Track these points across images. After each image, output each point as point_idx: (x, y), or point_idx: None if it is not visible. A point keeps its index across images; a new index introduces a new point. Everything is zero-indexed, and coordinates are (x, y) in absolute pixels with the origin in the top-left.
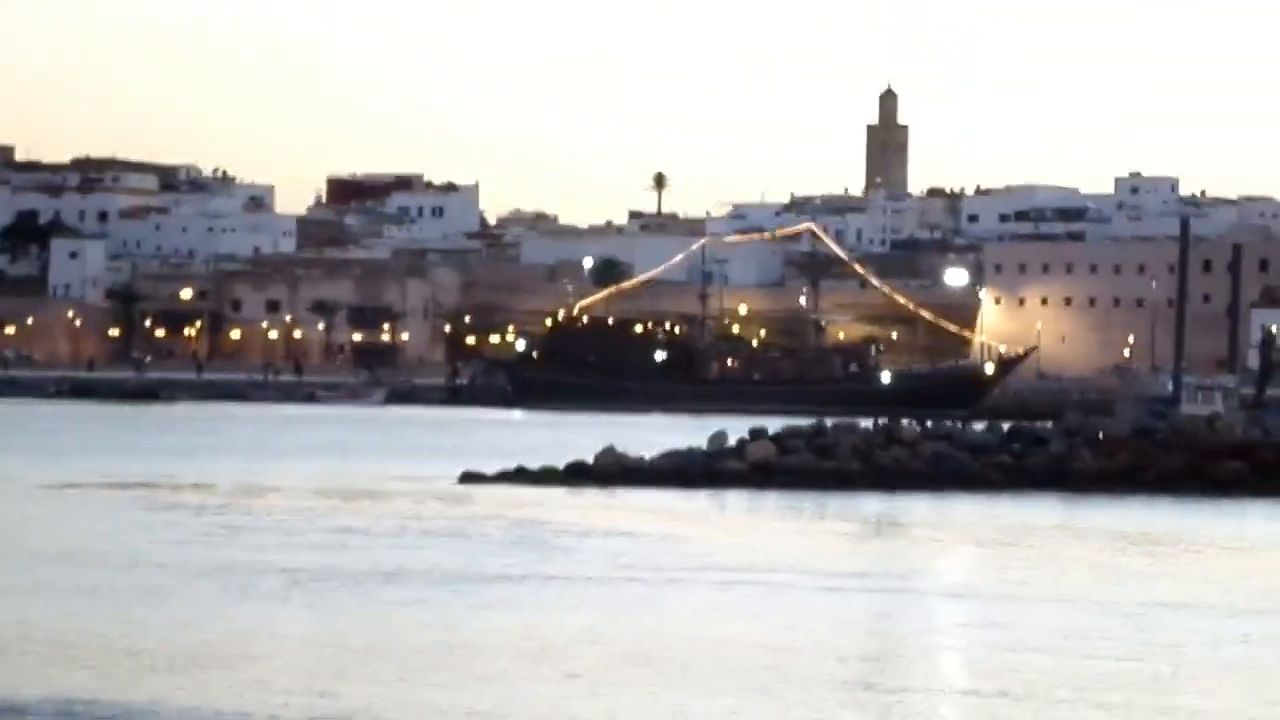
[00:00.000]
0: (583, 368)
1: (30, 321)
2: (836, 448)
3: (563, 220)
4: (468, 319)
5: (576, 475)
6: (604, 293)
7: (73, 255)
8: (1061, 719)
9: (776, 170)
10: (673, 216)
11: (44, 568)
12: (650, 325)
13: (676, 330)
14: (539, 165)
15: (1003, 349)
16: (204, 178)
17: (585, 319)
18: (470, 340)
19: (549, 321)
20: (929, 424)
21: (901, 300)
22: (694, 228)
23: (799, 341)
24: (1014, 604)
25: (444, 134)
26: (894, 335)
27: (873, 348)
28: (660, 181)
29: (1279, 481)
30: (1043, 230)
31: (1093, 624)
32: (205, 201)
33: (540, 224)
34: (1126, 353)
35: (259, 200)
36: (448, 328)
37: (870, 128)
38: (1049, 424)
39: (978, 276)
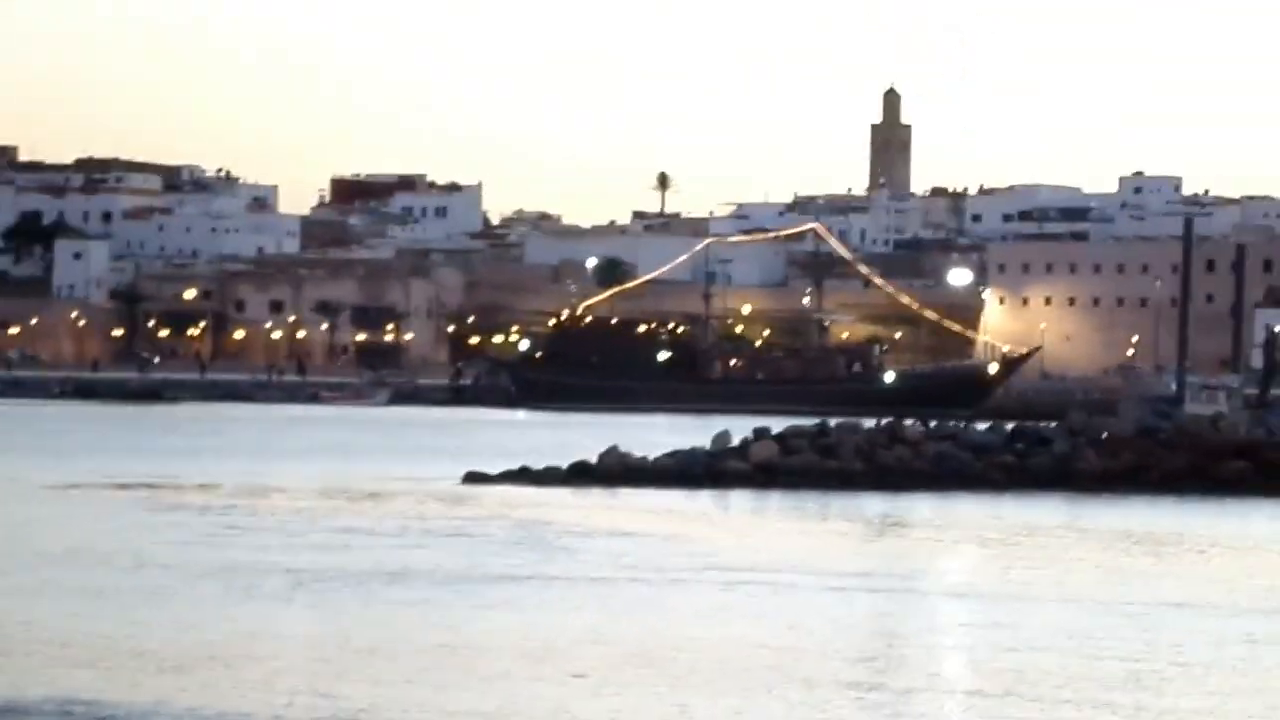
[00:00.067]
0: (586, 368)
1: (34, 322)
2: (840, 448)
3: (566, 220)
4: (471, 319)
5: (580, 475)
6: (607, 293)
7: (76, 256)
8: (1066, 719)
9: (780, 170)
10: (676, 216)
11: (48, 568)
12: (654, 325)
13: (680, 330)
14: (542, 165)
15: (1006, 349)
16: (207, 178)
17: (589, 319)
18: (474, 340)
19: (552, 322)
20: (932, 424)
21: (905, 300)
22: (697, 228)
23: (802, 341)
24: (1018, 604)
25: (447, 134)
26: (898, 335)
27: (876, 348)
28: (664, 181)
29: None
30: (1046, 230)
31: (1097, 624)
32: (209, 202)
33: (543, 224)
34: (1130, 353)
35: (262, 200)
36: (451, 328)
37: (874, 127)
38: (1053, 424)
39: (981, 276)
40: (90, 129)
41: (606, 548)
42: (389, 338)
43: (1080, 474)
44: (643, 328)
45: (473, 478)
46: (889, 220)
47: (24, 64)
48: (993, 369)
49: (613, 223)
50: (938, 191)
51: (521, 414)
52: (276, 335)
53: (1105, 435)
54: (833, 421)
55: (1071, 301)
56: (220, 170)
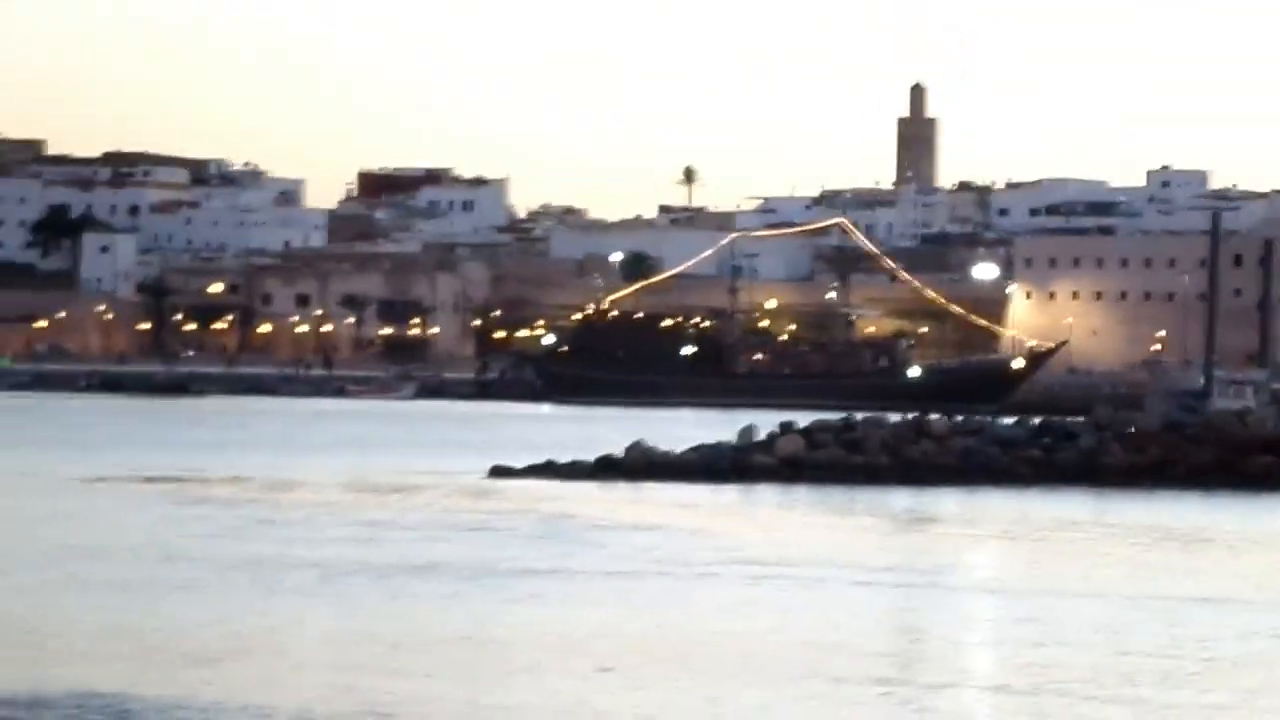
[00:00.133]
0: (611, 362)
1: (61, 315)
2: (865, 442)
3: (592, 214)
4: (497, 313)
5: (605, 469)
6: (633, 287)
7: (104, 249)
8: (1092, 714)
9: (806, 164)
10: (702, 211)
11: (74, 561)
12: (679, 320)
13: (705, 325)
14: (568, 159)
15: (1032, 343)
16: (234, 172)
17: (614, 313)
18: (499, 335)
19: (578, 316)
20: (958, 419)
21: (931, 294)
22: (723, 222)
23: (828, 336)
24: (1045, 599)
25: (474, 128)
26: (923, 329)
27: (902, 342)
28: (690, 176)
29: None
30: (1073, 224)
31: (1124, 619)
32: (235, 195)
33: (569, 218)
34: (1157, 347)
35: (289, 194)
36: (477, 322)
37: (901, 120)
38: (1079, 418)
39: (1008, 270)
40: (117, 122)
41: (632, 542)
42: (415, 332)
43: (1107, 469)
44: (668, 322)
45: (498, 472)
46: (915, 214)
47: (51, 58)
48: (1019, 363)
49: (638, 217)
50: (964, 186)
51: (547, 408)
52: (303, 329)
53: (1132, 430)
54: (858, 416)
55: (1098, 296)
56: (247, 164)
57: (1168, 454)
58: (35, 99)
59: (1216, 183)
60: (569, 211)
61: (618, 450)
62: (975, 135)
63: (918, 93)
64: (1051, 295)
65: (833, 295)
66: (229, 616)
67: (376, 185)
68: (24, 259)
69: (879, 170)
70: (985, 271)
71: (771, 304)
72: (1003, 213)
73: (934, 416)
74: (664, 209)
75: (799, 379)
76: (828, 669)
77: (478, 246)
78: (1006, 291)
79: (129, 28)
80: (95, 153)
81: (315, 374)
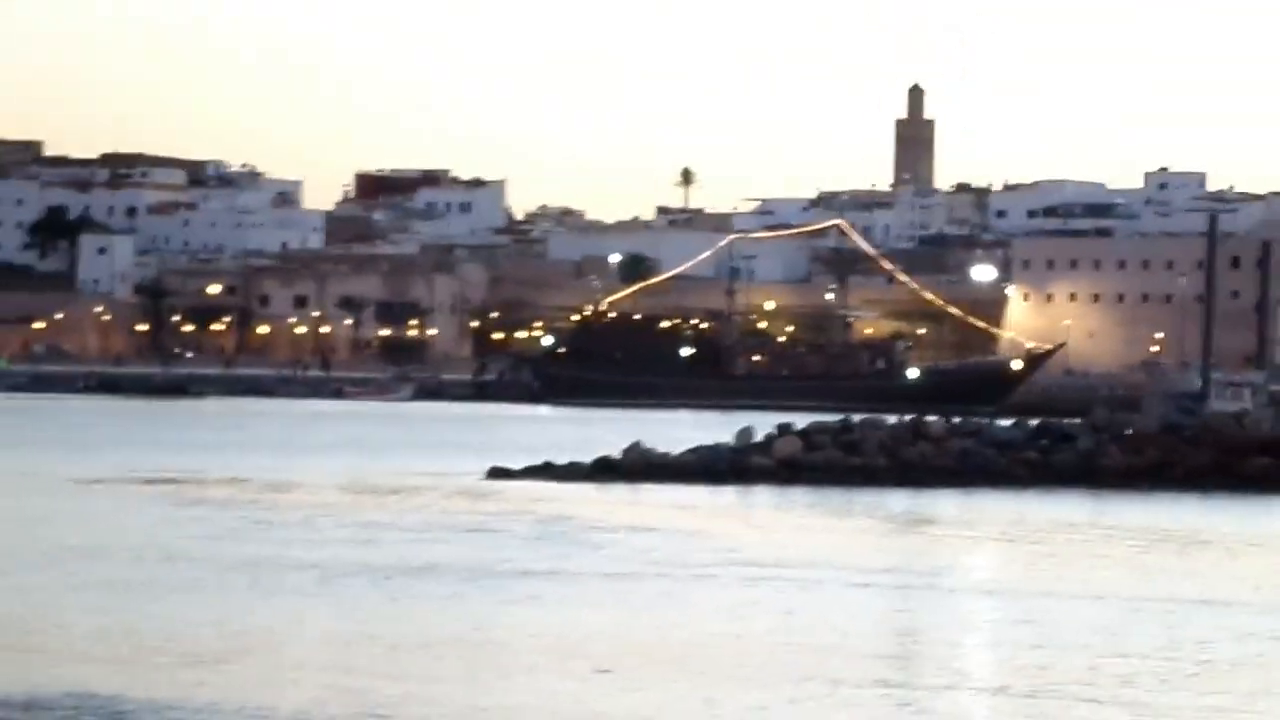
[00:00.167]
0: (609, 364)
1: (59, 317)
2: (863, 444)
3: (590, 216)
4: (495, 315)
5: (603, 471)
6: (631, 289)
7: (101, 251)
8: (1090, 716)
9: (803, 166)
10: (699, 212)
11: (72, 562)
12: (677, 321)
13: (703, 326)
14: (567, 160)
15: (1030, 345)
16: (232, 173)
17: (612, 315)
18: (497, 336)
19: (576, 317)
20: (956, 420)
21: (929, 296)
22: (721, 223)
23: (826, 337)
24: (1042, 601)
25: (473, 129)
26: (921, 331)
27: (900, 344)
28: (687, 177)
29: None
30: (1071, 226)
31: (1121, 621)
32: (233, 197)
33: (567, 220)
34: (1154, 349)
35: (287, 196)
36: (475, 323)
37: (899, 122)
38: (1077, 420)
39: (1005, 272)
40: (114, 124)
41: (630, 543)
42: (413, 333)
43: (1104, 470)
44: (666, 324)
45: (496, 473)
46: (913, 216)
47: (48, 59)
48: (1016, 365)
49: (636, 219)
50: (962, 187)
51: (545, 409)
52: (301, 330)
53: (1129, 432)
54: (856, 417)
55: (1096, 298)
56: (245, 165)
57: (1165, 456)
58: (33, 99)
59: (1214, 184)
60: (567, 213)
61: (616, 452)
62: (973, 136)
63: (916, 94)
64: (1049, 297)
65: (830, 297)
66: (227, 617)
67: (374, 187)
68: (22, 260)
69: (877, 172)
70: (983, 273)
71: (769, 305)
72: (1000, 214)
73: (932, 418)
74: (662, 210)
75: (797, 380)
76: (825, 670)
77: (475, 248)
78: (1004, 293)
79: (128, 28)
80: (93, 154)
81: (313, 375)
